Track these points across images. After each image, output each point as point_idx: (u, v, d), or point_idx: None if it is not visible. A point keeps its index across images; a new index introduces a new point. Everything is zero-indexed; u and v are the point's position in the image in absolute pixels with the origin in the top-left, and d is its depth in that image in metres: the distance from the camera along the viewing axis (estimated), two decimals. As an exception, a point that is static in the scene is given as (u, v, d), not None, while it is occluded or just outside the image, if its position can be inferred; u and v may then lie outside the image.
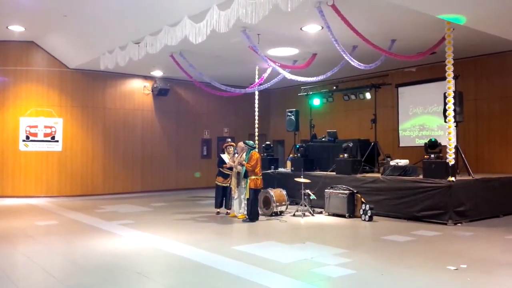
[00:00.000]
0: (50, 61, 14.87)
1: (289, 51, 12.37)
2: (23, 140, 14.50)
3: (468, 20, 8.87)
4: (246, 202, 10.05)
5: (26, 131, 14.53)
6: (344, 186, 10.48)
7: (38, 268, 6.11)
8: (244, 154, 10.10)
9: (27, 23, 12.48)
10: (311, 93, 14.63)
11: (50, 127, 14.78)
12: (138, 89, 16.51)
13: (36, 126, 14.62)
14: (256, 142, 14.06)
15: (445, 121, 9.76)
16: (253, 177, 9.79)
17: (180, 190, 16.71)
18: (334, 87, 14.16)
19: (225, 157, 10.65)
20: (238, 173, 10.18)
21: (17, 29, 12.97)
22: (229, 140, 11.78)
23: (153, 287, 5.33)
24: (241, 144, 10.35)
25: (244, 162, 9.92)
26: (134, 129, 16.33)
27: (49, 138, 14.75)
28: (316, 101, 14.55)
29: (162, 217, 10.66)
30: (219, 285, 5.34)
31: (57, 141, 14.84)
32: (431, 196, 9.34)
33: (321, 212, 10.82)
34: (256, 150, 10.42)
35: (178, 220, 10.10)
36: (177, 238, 8.02)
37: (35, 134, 14.61)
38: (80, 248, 7.32)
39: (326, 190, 10.72)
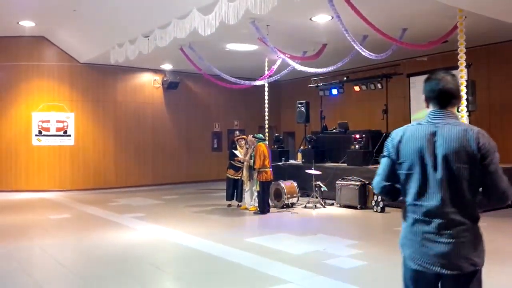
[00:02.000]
0: (60, 55, 14.95)
1: (249, 47, 12.71)
2: (36, 135, 14.65)
3: (476, 5, 8.71)
4: (257, 194, 10.06)
5: (38, 126, 14.67)
6: (355, 178, 10.43)
7: (52, 260, 6.19)
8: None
9: (37, 18, 12.55)
10: (321, 84, 14.55)
11: (62, 122, 14.90)
12: (148, 82, 16.55)
13: (48, 121, 14.76)
14: (266, 134, 14.04)
15: (458, 111, 9.63)
16: (262, 169, 9.77)
17: (191, 183, 16.77)
18: (345, 78, 14.05)
19: (236, 152, 10.64)
20: (250, 166, 10.18)
21: (27, 25, 13.05)
22: (237, 132, 11.76)
23: (165, 278, 5.37)
24: (251, 138, 10.36)
25: (251, 161, 9.96)
26: (145, 123, 16.40)
27: (61, 133, 14.87)
28: (334, 91, 14.36)
29: (174, 209, 10.72)
30: (231, 276, 5.36)
31: (69, 135, 14.97)
32: (444, 186, 9.24)
33: (332, 204, 10.79)
34: (266, 142, 10.36)
35: (190, 213, 10.15)
36: (188, 230, 8.06)
37: (48, 129, 14.75)
38: (93, 240, 7.40)
39: (337, 182, 10.68)
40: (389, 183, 2.47)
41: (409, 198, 2.38)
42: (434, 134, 2.32)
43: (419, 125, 2.39)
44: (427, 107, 2.46)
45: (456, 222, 2.27)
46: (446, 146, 2.27)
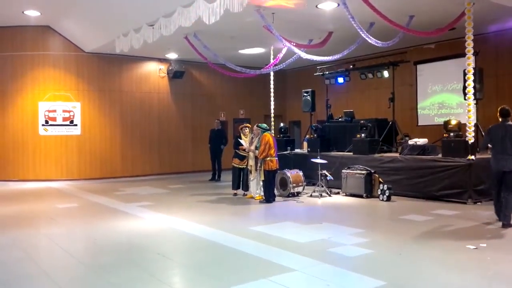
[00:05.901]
0: (66, 45, 14.95)
1: (258, 50, 13.56)
2: (43, 125, 14.72)
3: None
4: (262, 183, 10.06)
5: (45, 115, 14.73)
6: (361, 166, 10.41)
7: (59, 249, 6.25)
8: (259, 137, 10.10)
9: (42, 7, 12.53)
10: (327, 72, 14.45)
11: (69, 111, 14.95)
12: (154, 71, 16.54)
13: (54, 111, 14.81)
14: (272, 123, 14.01)
15: (465, 99, 9.56)
16: (267, 158, 9.76)
17: (197, 172, 16.82)
18: (351, 66, 13.95)
19: (241, 140, 10.64)
20: (256, 156, 10.17)
21: (33, 14, 13.05)
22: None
23: (172, 267, 5.41)
24: (256, 128, 10.33)
25: (256, 151, 9.95)
26: (151, 112, 16.42)
27: (67, 122, 14.93)
28: (340, 79, 14.27)
29: (180, 198, 10.77)
30: (237, 264, 5.39)
31: (76, 125, 15.02)
32: (450, 175, 9.22)
33: (338, 193, 10.79)
34: (271, 132, 10.31)
35: (196, 202, 10.19)
36: (195, 219, 8.10)
37: (54, 119, 14.81)
38: (100, 229, 7.45)
39: (343, 171, 10.66)
40: (487, 144, 7.26)
41: (495, 149, 7.10)
42: (504, 127, 7.03)
43: (499, 124, 7.11)
44: (499, 118, 7.14)
45: (509, 155, 6.95)
46: (509, 130, 6.97)
